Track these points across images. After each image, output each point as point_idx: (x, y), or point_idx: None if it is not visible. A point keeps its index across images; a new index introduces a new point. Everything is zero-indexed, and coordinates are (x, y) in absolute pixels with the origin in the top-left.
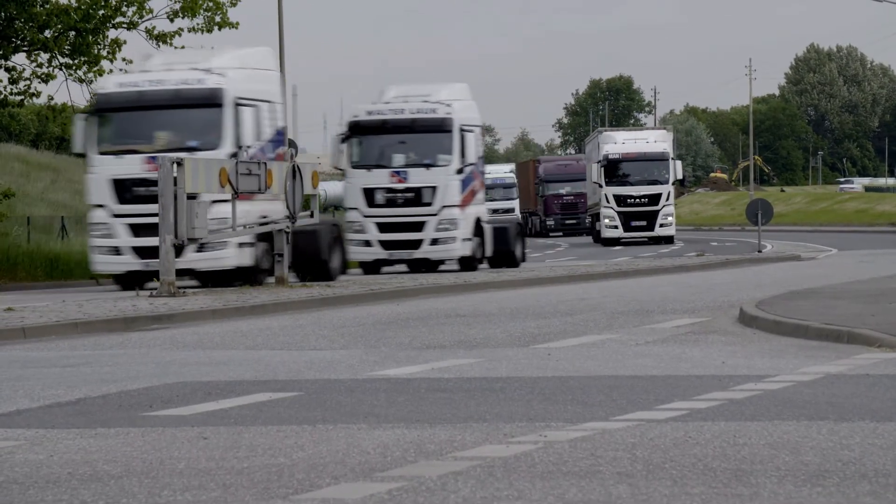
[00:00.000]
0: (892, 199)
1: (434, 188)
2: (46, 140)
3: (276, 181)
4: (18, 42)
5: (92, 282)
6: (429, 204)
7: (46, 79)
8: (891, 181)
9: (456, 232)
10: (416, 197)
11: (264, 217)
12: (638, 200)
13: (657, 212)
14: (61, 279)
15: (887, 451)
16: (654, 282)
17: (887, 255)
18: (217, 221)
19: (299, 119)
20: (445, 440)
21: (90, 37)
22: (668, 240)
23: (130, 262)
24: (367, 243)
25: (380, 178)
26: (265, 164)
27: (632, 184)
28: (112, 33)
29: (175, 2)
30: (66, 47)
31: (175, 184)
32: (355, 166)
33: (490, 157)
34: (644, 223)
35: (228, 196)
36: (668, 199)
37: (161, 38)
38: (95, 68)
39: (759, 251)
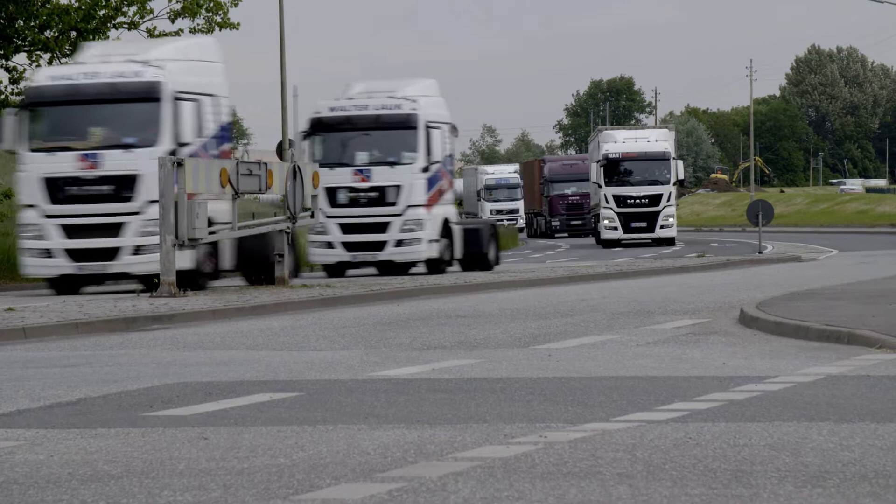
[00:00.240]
0: (892, 200)
1: (398, 187)
2: None
3: (276, 181)
4: (19, 42)
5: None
6: (393, 203)
7: None
8: (880, 182)
9: (422, 233)
10: (380, 196)
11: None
12: (638, 201)
13: (658, 213)
14: None
15: (887, 452)
16: (654, 282)
17: (888, 256)
18: (153, 223)
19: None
20: (446, 441)
21: (91, 37)
22: (670, 241)
23: (63, 266)
24: (330, 245)
25: (342, 177)
26: (265, 164)
27: (632, 184)
28: (113, 34)
29: (176, 2)
30: (67, 48)
31: (172, 184)
32: (317, 163)
33: (491, 157)
34: (644, 224)
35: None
36: (669, 200)
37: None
38: None
39: (760, 252)
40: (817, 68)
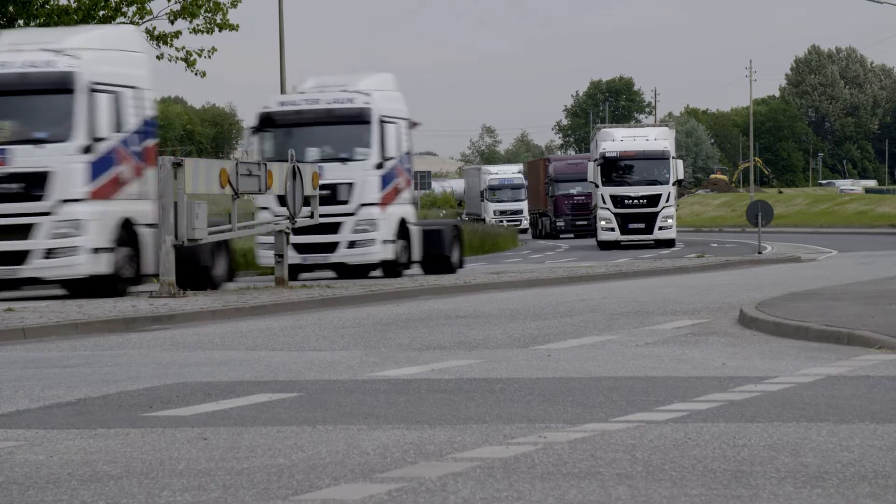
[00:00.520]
0: (892, 200)
1: (350, 185)
2: None
3: (275, 182)
4: None
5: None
6: (345, 202)
7: None
8: (869, 182)
9: (375, 234)
10: (332, 195)
11: (126, 219)
12: (636, 201)
13: (656, 214)
14: None
15: (887, 452)
16: (654, 283)
17: (888, 257)
18: (68, 224)
19: None
20: (445, 441)
21: None
22: (669, 243)
23: None
24: None
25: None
26: (265, 164)
27: (630, 184)
28: None
29: (175, 2)
30: None
31: (175, 184)
32: (268, 161)
33: (491, 158)
34: (642, 226)
35: (81, 196)
36: (668, 201)
37: (161, 39)
38: None
39: (760, 252)
40: (817, 69)
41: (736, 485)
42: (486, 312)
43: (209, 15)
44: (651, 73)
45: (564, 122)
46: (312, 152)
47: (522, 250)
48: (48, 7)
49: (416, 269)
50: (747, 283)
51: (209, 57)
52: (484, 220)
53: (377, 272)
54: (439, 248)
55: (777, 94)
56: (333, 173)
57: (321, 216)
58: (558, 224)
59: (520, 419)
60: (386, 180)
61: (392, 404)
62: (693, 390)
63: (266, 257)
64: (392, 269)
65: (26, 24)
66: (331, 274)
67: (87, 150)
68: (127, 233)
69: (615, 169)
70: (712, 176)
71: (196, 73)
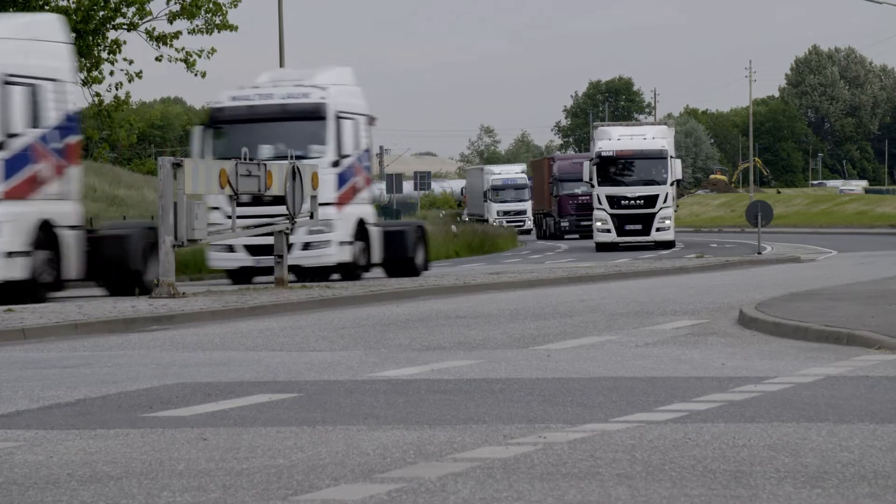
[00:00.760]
0: (892, 200)
1: None
2: None
3: (275, 182)
4: None
5: (91, 283)
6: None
7: None
8: (861, 183)
9: (331, 235)
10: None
11: (45, 221)
12: (633, 202)
13: (653, 215)
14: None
15: (886, 452)
16: (653, 283)
17: (887, 257)
18: None
19: None
20: (445, 441)
21: (90, 38)
22: (667, 245)
23: None
24: (231, 248)
25: None
26: (264, 164)
27: (626, 184)
28: (112, 34)
29: (175, 3)
30: None
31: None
32: (218, 159)
33: (490, 158)
34: (639, 227)
35: None
36: (665, 201)
37: (161, 40)
38: (96, 72)
39: (759, 253)
40: (817, 69)
41: (735, 485)
42: (485, 313)
43: (209, 16)
44: (651, 74)
45: (564, 122)
46: (266, 150)
47: (522, 251)
48: (47, 8)
49: (377, 272)
50: (747, 284)
51: (209, 58)
52: (486, 220)
53: (337, 275)
54: (402, 250)
55: (777, 94)
56: None
57: (271, 216)
58: (562, 224)
59: (519, 419)
60: (343, 179)
61: (392, 405)
62: (693, 390)
63: (218, 260)
64: (350, 271)
65: None
66: (289, 277)
67: (0, 147)
68: (46, 235)
69: (611, 168)
70: (712, 176)
71: (196, 74)
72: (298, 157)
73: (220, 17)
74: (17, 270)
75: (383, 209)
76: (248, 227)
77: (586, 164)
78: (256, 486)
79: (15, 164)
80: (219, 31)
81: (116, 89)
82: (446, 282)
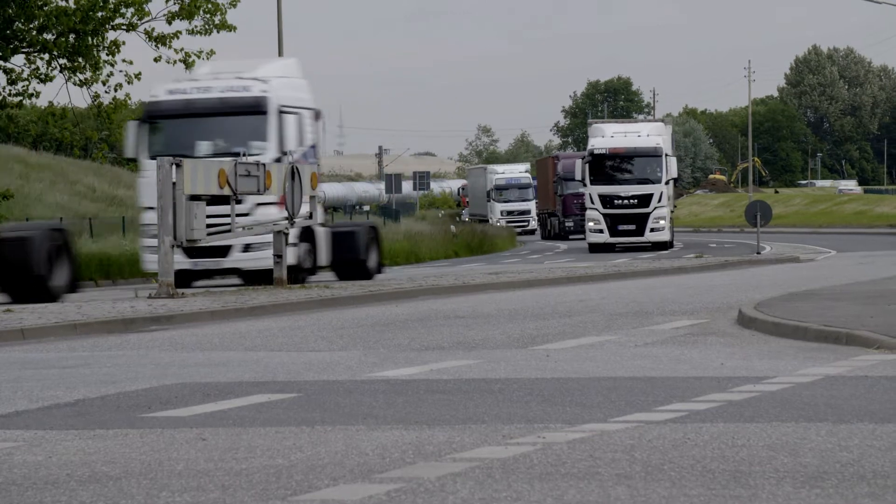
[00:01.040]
0: (890, 200)
1: None
2: (46, 141)
3: (275, 182)
4: (17, 44)
5: (90, 283)
6: (238, 201)
7: (45, 79)
8: (850, 183)
9: (272, 236)
10: None
11: None
12: (626, 201)
13: (647, 215)
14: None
15: (886, 452)
16: (652, 283)
17: (886, 257)
18: None
19: None
20: (444, 441)
21: (89, 38)
22: (662, 246)
23: None
24: None
25: None
26: (263, 165)
27: (619, 182)
28: (111, 35)
29: (174, 3)
30: (67, 49)
31: (173, 187)
32: (154, 157)
33: (490, 158)
34: (633, 227)
35: None
36: (660, 201)
37: (160, 40)
38: (98, 72)
39: (758, 253)
40: (816, 69)
41: (735, 485)
42: (484, 313)
43: (207, 16)
44: (650, 74)
45: (563, 122)
46: (204, 146)
47: (521, 251)
48: (47, 9)
49: (327, 275)
50: (746, 284)
51: (207, 59)
52: (489, 220)
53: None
54: (353, 252)
55: (776, 94)
56: None
57: (212, 217)
58: (567, 224)
59: (518, 419)
60: None
61: (391, 405)
62: (692, 390)
63: (152, 262)
64: (294, 274)
65: (25, 26)
66: (233, 280)
67: None
68: None
69: (604, 166)
70: (711, 176)
71: None
72: (237, 155)
73: (219, 18)
74: None
75: (382, 209)
76: (248, 227)
77: (578, 162)
78: (255, 487)
79: None
80: (217, 32)
81: (115, 91)
82: (445, 282)
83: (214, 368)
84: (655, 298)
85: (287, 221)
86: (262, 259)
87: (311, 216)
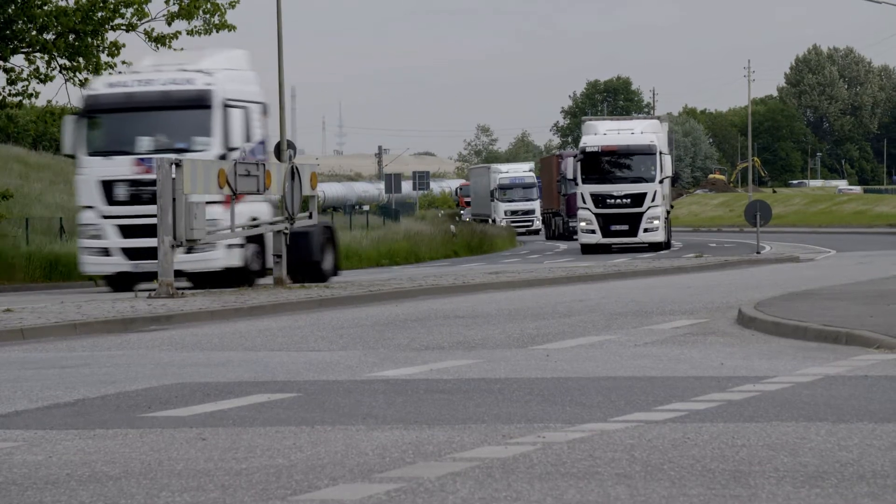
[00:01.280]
0: (890, 200)
1: None
2: (46, 141)
3: (274, 182)
4: (17, 44)
5: (90, 283)
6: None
7: (45, 79)
8: (842, 183)
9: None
10: None
11: None
12: (619, 201)
13: (641, 214)
14: (60, 280)
15: (885, 452)
16: (652, 283)
17: (886, 257)
18: None
19: (298, 120)
20: (444, 441)
21: (89, 39)
22: (656, 247)
23: None
24: (106, 252)
25: (121, 168)
26: (264, 164)
27: (612, 181)
28: (111, 35)
29: (173, 3)
30: (67, 49)
31: (173, 186)
32: (93, 153)
33: (489, 158)
34: (626, 227)
35: None
36: (654, 200)
37: (160, 41)
38: (98, 72)
39: (758, 252)
40: (816, 68)
41: (734, 484)
42: (484, 312)
43: (207, 16)
44: (650, 73)
45: (563, 122)
46: (145, 142)
47: (521, 250)
48: (46, 9)
49: (268, 277)
50: (746, 283)
51: None
52: (493, 220)
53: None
54: (306, 254)
55: (775, 93)
56: None
57: (150, 216)
58: (571, 224)
59: (518, 419)
60: None
61: (391, 404)
62: (692, 390)
63: (92, 264)
64: (241, 277)
65: (25, 26)
66: (183, 283)
67: None
68: None
69: (596, 165)
70: (710, 176)
71: None
72: (180, 150)
73: (219, 18)
74: None
75: (382, 209)
76: (249, 227)
77: (569, 160)
78: (255, 486)
79: None
80: (217, 32)
81: None
82: (445, 282)
83: (214, 368)
84: (655, 298)
85: (287, 221)
86: (208, 261)
87: (310, 216)
